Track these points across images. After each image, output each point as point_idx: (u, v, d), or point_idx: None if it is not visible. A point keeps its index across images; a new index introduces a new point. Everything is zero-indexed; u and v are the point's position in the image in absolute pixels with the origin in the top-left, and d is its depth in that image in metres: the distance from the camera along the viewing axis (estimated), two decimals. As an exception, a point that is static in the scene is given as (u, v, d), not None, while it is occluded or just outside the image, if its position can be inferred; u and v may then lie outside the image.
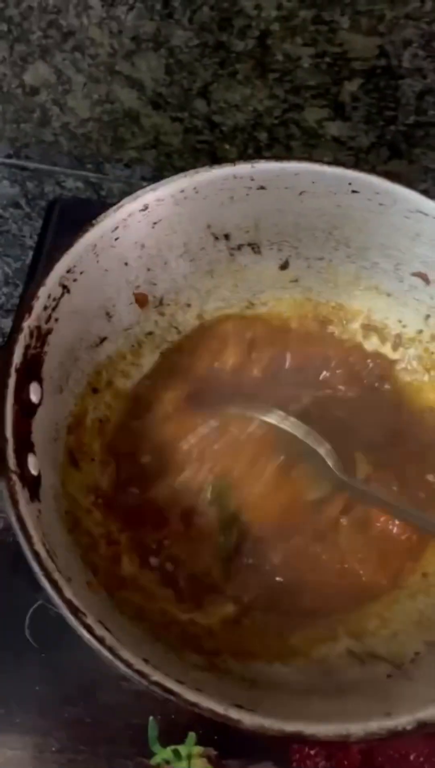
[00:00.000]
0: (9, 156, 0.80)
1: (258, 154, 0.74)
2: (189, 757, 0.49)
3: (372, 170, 0.53)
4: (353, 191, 0.52)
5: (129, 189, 0.63)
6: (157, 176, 0.76)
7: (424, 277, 0.54)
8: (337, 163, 0.53)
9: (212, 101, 0.68)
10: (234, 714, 0.35)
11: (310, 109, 0.67)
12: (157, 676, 0.35)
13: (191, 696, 0.35)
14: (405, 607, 0.48)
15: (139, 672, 0.35)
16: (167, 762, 0.49)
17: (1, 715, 0.52)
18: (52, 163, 0.81)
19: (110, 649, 0.36)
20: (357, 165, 0.69)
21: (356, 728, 0.35)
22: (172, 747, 0.49)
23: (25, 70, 0.68)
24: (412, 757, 0.50)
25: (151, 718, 0.50)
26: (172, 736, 0.50)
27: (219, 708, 0.35)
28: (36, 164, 0.81)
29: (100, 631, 0.36)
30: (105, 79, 0.68)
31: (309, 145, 0.71)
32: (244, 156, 0.74)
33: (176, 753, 0.49)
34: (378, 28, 0.58)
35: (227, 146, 0.73)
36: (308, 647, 0.46)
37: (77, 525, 0.45)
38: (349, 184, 0.51)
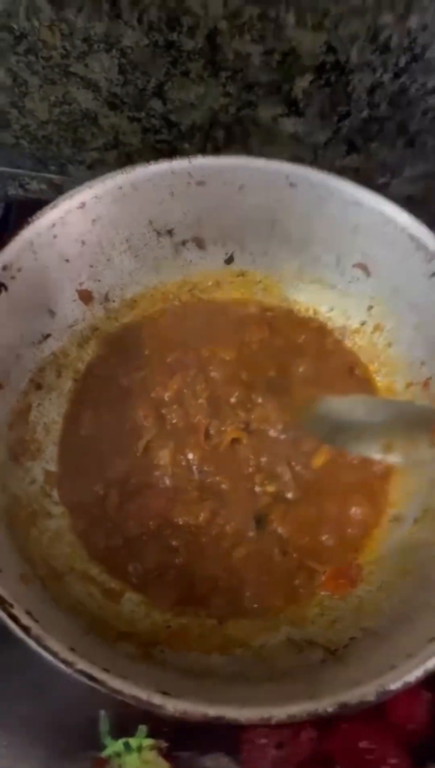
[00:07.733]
0: (-31, 159, 0.80)
1: (217, 153, 0.74)
2: (139, 749, 0.49)
3: (313, 164, 0.53)
4: (291, 184, 0.52)
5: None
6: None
7: (365, 269, 0.55)
8: (295, 159, 0.52)
9: (168, 100, 0.68)
10: (157, 700, 0.35)
11: (264, 106, 0.67)
12: (81, 665, 0.36)
13: (115, 683, 0.36)
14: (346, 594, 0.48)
15: (64, 660, 0.36)
16: (118, 755, 0.49)
17: None
18: (15, 166, 0.82)
19: (36, 639, 0.36)
20: (315, 161, 0.69)
21: (278, 711, 0.35)
22: (123, 740, 0.49)
23: (-20, 74, 0.69)
24: (361, 745, 0.50)
25: (102, 711, 0.50)
26: (124, 729, 0.50)
27: (142, 694, 0.35)
28: (-2, 167, 0.82)
29: (26, 621, 0.36)
30: (60, 80, 0.68)
31: (267, 142, 0.71)
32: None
33: (127, 745, 0.49)
34: (324, 23, 0.58)
35: (187, 145, 0.73)
36: (249, 637, 0.46)
37: (15, 519, 0.45)
38: (286, 177, 0.52)
